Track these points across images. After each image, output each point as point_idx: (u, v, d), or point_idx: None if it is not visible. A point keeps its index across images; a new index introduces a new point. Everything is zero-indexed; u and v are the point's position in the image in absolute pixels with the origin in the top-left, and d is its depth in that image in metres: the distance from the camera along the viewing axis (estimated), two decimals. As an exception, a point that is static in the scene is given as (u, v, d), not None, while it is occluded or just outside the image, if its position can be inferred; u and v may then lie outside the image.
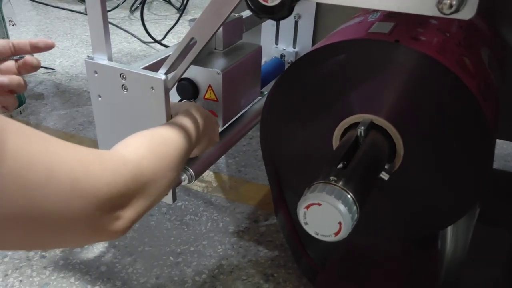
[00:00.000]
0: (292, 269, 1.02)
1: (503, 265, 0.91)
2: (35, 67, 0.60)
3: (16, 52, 0.59)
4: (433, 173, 0.76)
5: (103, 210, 0.34)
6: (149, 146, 0.52)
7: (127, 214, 0.38)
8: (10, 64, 0.59)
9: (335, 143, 0.81)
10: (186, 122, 0.66)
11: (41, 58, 2.23)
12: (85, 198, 0.32)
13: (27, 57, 0.59)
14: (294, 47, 1.33)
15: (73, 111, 1.69)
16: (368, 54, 0.74)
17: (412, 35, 0.75)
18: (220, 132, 1.00)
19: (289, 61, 1.33)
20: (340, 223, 0.61)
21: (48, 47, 0.60)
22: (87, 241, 0.37)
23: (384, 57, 0.73)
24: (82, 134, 1.56)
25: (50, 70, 2.03)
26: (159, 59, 0.88)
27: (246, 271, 1.02)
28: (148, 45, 2.38)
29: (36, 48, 0.60)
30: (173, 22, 2.55)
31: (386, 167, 0.77)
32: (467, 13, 0.54)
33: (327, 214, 0.61)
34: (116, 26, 2.62)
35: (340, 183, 0.63)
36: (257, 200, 1.25)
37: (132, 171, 0.42)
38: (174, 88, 0.90)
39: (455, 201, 0.77)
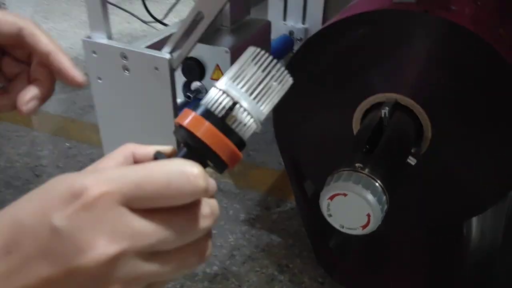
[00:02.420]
0: (308, 258, 0.96)
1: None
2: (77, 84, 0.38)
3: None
4: (465, 156, 0.70)
5: None
6: None
7: None
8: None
9: (355, 126, 0.75)
10: None
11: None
12: None
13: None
14: (303, 23, 1.25)
15: (73, 95, 1.63)
16: (394, 26, 0.67)
17: (442, 4, 0.68)
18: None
19: (298, 38, 1.26)
20: (368, 215, 0.55)
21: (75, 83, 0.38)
22: None
23: (412, 29, 0.66)
24: (84, 119, 1.49)
25: (48, 53, 1.96)
26: (163, 37, 0.81)
27: (260, 262, 0.97)
28: (149, 25, 2.30)
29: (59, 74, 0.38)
30: (174, 0, 2.46)
31: (412, 151, 0.70)
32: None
33: (354, 206, 0.55)
34: (115, 5, 2.54)
35: (367, 170, 0.57)
36: (268, 185, 1.19)
37: None
38: (179, 70, 0.84)
39: (488, 185, 0.71)
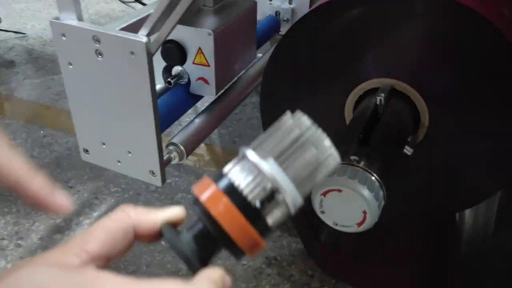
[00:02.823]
0: (297, 250, 0.93)
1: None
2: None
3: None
4: (462, 145, 0.66)
5: None
6: None
7: None
8: None
9: (348, 113, 0.70)
10: None
11: (11, 21, 2.06)
12: None
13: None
14: (290, 3, 1.19)
15: (48, 80, 1.55)
16: (389, 6, 0.62)
17: (441, -18, 0.63)
18: (213, 101, 0.89)
19: (284, 19, 1.20)
20: (364, 212, 0.51)
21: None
22: None
23: (408, 8, 0.61)
24: (59, 105, 1.42)
25: (21, 35, 1.86)
26: (139, 18, 0.75)
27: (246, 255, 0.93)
28: (128, 5, 2.21)
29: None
30: (154, -20, 2.36)
31: (408, 139, 0.66)
32: None
33: (349, 202, 0.51)
34: (92, -15, 2.42)
35: (362, 163, 0.53)
36: (254, 173, 1.15)
37: None
38: (158, 53, 0.78)
39: (485, 177, 0.68)
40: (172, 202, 1.05)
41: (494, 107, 0.62)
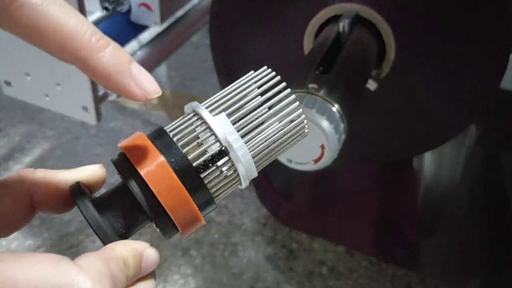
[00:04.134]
0: (250, 198, 0.87)
1: (489, 188, 0.82)
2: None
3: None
4: (429, 81, 0.61)
5: None
6: None
7: None
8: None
9: (308, 44, 0.63)
10: None
11: None
12: None
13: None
14: None
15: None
16: None
17: None
18: (158, 34, 0.79)
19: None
20: (322, 146, 0.45)
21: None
22: None
23: None
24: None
25: None
26: None
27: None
28: None
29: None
30: None
31: (372, 74, 0.60)
32: None
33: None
34: None
35: (322, 92, 0.47)
36: (206, 119, 1.07)
37: None
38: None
39: (451, 115, 0.63)
40: (114, 147, 0.96)
41: (465, 41, 0.57)
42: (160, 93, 0.20)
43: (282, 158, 0.48)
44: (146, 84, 0.20)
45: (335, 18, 0.59)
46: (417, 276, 0.76)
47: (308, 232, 0.82)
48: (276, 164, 0.50)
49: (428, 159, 0.85)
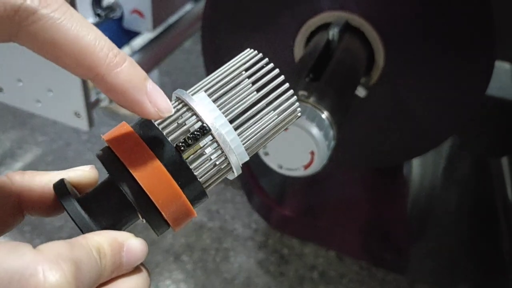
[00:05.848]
0: (241, 203, 0.88)
1: (477, 193, 0.83)
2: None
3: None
4: (417, 89, 0.62)
5: None
6: None
7: None
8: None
9: (298, 51, 0.64)
10: None
11: None
12: None
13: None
14: None
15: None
16: None
17: None
18: (150, 40, 0.80)
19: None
20: (312, 152, 0.46)
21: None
22: None
23: None
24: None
25: None
26: None
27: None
28: None
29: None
30: None
31: (361, 81, 0.61)
32: None
33: (295, 141, 0.45)
34: None
35: (312, 99, 0.47)
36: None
37: None
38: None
39: (437, 123, 0.64)
40: (107, 153, 0.96)
41: (452, 49, 0.58)
42: (172, 112, 0.20)
43: (273, 164, 0.49)
44: (160, 102, 0.19)
45: (325, 26, 0.60)
46: (407, 280, 0.77)
47: (299, 237, 0.82)
48: (267, 170, 0.51)
49: (416, 164, 0.86)
